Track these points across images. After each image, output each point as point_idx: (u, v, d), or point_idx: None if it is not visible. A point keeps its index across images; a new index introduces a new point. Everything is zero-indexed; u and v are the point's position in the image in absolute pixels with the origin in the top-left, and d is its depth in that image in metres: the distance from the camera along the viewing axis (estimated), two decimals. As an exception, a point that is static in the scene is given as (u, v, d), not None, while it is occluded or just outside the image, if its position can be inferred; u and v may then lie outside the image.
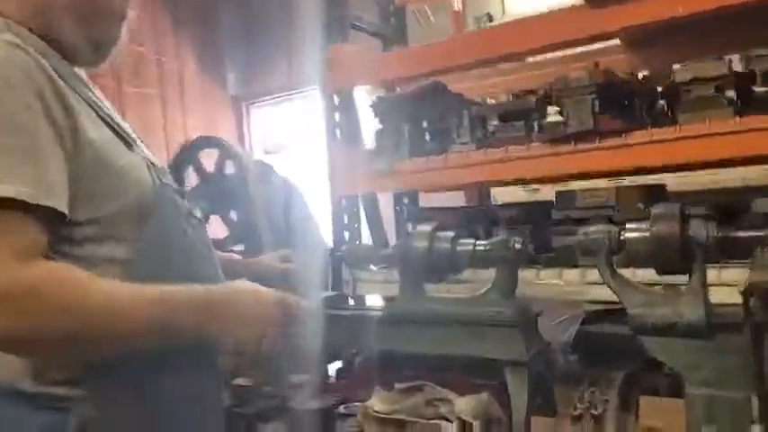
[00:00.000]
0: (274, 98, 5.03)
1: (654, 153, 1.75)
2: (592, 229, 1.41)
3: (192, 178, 2.59)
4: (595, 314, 2.10)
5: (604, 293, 1.84)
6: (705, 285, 1.28)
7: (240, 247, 2.61)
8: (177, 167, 2.57)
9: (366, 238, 2.51)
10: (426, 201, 2.74)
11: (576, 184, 2.09)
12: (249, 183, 2.40)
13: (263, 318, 1.15)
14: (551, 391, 1.67)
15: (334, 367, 2.17)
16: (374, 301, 2.41)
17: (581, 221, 1.96)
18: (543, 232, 2.10)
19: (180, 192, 1.37)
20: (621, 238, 1.37)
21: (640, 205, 1.86)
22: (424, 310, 1.61)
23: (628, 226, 1.37)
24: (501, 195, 2.93)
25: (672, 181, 2.18)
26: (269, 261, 1.76)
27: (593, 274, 1.88)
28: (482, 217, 2.20)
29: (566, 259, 1.94)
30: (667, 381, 1.81)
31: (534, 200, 2.48)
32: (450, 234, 1.61)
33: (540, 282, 1.94)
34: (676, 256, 1.27)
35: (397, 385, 1.63)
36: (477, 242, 1.57)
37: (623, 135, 1.79)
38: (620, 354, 1.93)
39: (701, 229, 1.27)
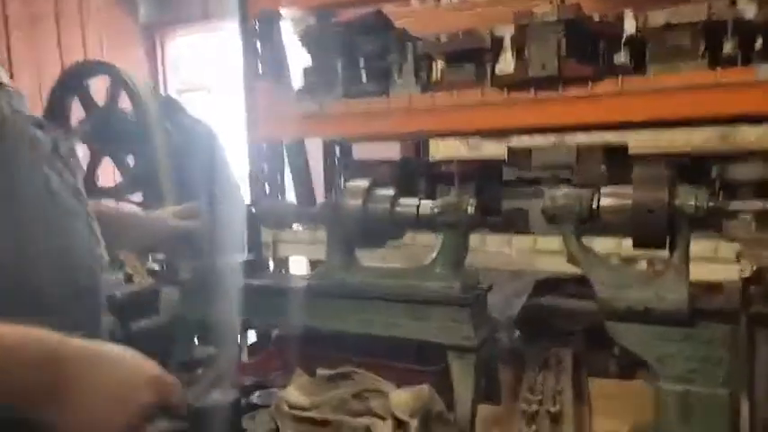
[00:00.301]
0: (192, 29, 4.47)
1: (623, 106, 1.53)
2: (560, 192, 1.18)
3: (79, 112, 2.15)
4: (542, 284, 1.94)
5: (557, 264, 1.65)
6: (688, 263, 1.08)
7: (139, 198, 2.23)
8: (60, 97, 2.13)
9: (290, 192, 2.20)
10: (360, 154, 2.43)
11: (530, 141, 1.85)
12: (148, 120, 2.00)
13: (126, 398, 0.79)
14: (497, 373, 1.47)
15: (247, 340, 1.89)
16: (297, 266, 2.13)
17: (535, 182, 1.75)
18: (492, 192, 1.87)
19: (40, 123, 1.00)
20: (595, 204, 1.14)
21: (602, 167, 1.65)
22: (355, 283, 1.34)
23: (605, 190, 1.15)
24: (440, 151, 2.68)
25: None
26: (168, 216, 1.42)
27: (546, 243, 1.68)
28: (424, 172, 1.94)
29: (516, 224, 1.73)
30: (617, 360, 1.68)
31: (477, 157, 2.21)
32: (390, 192, 1.34)
33: (487, 249, 1.71)
34: (660, 228, 1.06)
35: (321, 371, 1.37)
36: (422, 202, 1.31)
37: (589, 84, 1.55)
38: (567, 329, 1.77)
39: (689, 198, 1.06)
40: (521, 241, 1.70)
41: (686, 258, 1.07)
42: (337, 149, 2.26)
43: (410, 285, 1.29)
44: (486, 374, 1.37)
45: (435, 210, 1.28)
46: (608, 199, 1.13)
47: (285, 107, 1.99)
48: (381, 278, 1.33)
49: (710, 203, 1.05)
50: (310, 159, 2.29)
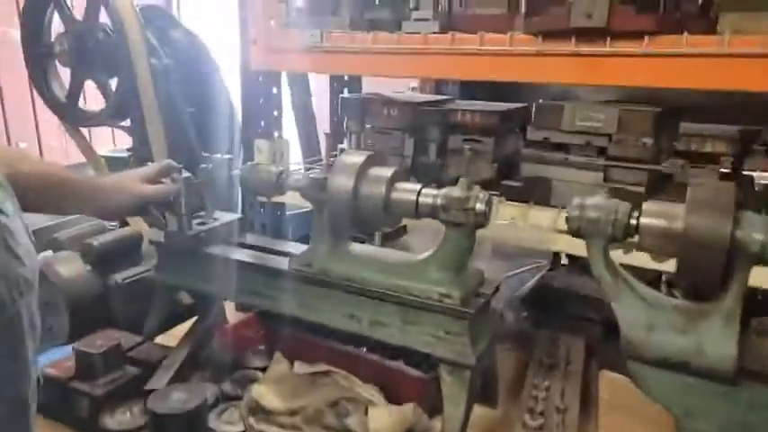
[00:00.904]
0: None
1: (685, 69, 1.24)
2: (590, 201, 0.95)
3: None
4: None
5: (579, 248, 1.45)
6: (741, 310, 0.87)
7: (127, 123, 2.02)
8: (33, 10, 1.86)
9: (289, 128, 1.97)
10: (373, 82, 2.15)
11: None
12: (127, 35, 1.74)
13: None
14: (495, 368, 1.32)
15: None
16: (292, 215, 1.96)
17: (564, 147, 1.49)
18: (512, 151, 1.63)
19: None
20: (633, 221, 0.92)
21: (645, 140, 1.38)
22: (340, 274, 1.17)
23: (647, 207, 0.92)
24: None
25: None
26: (134, 181, 1.22)
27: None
28: (439, 120, 1.68)
29: (536, 194, 1.50)
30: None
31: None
32: (387, 174, 1.12)
33: (500, 220, 1.50)
34: (714, 270, 0.85)
35: (299, 366, 1.24)
36: (423, 191, 1.09)
37: (645, 39, 1.25)
38: (582, 315, 1.60)
39: (756, 230, 0.83)
40: (539, 215, 1.48)
41: (740, 303, 0.87)
42: (345, 90, 1.99)
43: (404, 286, 1.11)
44: (483, 372, 1.22)
45: (438, 202, 1.07)
46: (651, 219, 0.90)
47: (283, 34, 1.70)
48: (372, 271, 1.15)
49: (783, 241, 0.82)
50: (315, 92, 2.03)
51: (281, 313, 1.28)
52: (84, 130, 2.13)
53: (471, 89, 2.15)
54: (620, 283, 0.95)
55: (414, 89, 2.46)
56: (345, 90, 2.07)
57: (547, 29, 1.33)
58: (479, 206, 1.04)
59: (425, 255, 1.13)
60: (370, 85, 2.12)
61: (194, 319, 1.51)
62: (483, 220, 1.05)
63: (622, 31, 1.25)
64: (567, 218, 0.98)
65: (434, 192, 1.08)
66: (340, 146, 1.85)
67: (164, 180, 1.28)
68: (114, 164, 2.28)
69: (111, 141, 3.61)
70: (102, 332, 1.30)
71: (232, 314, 1.58)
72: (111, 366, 1.21)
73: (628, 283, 0.96)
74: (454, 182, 1.09)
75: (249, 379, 1.26)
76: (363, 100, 1.80)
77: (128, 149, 2.12)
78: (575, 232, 0.97)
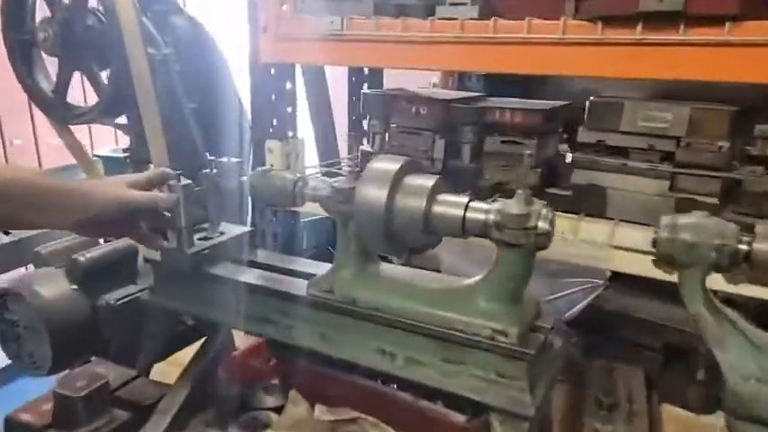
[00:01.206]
0: None
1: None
2: (684, 220, 0.77)
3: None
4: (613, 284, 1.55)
5: (640, 267, 1.26)
6: None
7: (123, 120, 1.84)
8: (18, -7, 1.68)
9: (305, 127, 1.78)
10: (395, 77, 1.96)
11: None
12: (123, 23, 1.56)
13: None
14: (549, 419, 1.13)
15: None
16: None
17: (622, 151, 1.31)
18: (555, 155, 1.44)
19: None
20: (743, 246, 0.73)
21: (721, 144, 1.19)
22: (369, 301, 0.99)
23: (762, 230, 0.73)
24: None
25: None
26: (120, 187, 1.03)
27: (628, 236, 1.27)
28: (474, 119, 1.50)
29: (587, 204, 1.32)
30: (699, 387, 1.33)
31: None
32: (427, 183, 0.94)
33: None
34: None
35: (320, 409, 1.06)
36: (470, 205, 0.91)
37: (726, 25, 1.06)
38: (640, 341, 1.42)
39: None
40: (592, 228, 1.29)
41: None
42: (365, 84, 1.80)
43: (447, 320, 0.93)
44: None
45: (491, 218, 0.88)
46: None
47: (298, 23, 1.52)
48: (405, 299, 0.97)
49: None
50: (331, 87, 1.85)
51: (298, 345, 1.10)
52: (85, 127, 1.96)
53: (498, 84, 1.96)
54: (724, 325, 0.76)
55: (435, 84, 2.27)
56: (365, 85, 1.89)
57: (608, 14, 1.14)
58: (542, 225, 0.85)
59: (473, 280, 0.95)
60: (390, 80, 1.94)
61: (198, 342, 1.34)
62: (545, 240, 0.86)
63: (699, 16, 1.07)
64: (654, 241, 0.79)
65: (486, 206, 0.90)
66: (361, 147, 1.67)
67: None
68: (112, 165, 2.11)
69: (114, 140, 3.43)
70: (86, 368, 1.12)
71: (241, 339, 1.40)
72: (96, 412, 1.03)
73: (734, 324, 0.77)
74: (493, 189, 0.90)
75: (260, 423, 1.08)
76: (388, 96, 1.61)
77: (124, 150, 1.94)
78: (665, 258, 0.79)
